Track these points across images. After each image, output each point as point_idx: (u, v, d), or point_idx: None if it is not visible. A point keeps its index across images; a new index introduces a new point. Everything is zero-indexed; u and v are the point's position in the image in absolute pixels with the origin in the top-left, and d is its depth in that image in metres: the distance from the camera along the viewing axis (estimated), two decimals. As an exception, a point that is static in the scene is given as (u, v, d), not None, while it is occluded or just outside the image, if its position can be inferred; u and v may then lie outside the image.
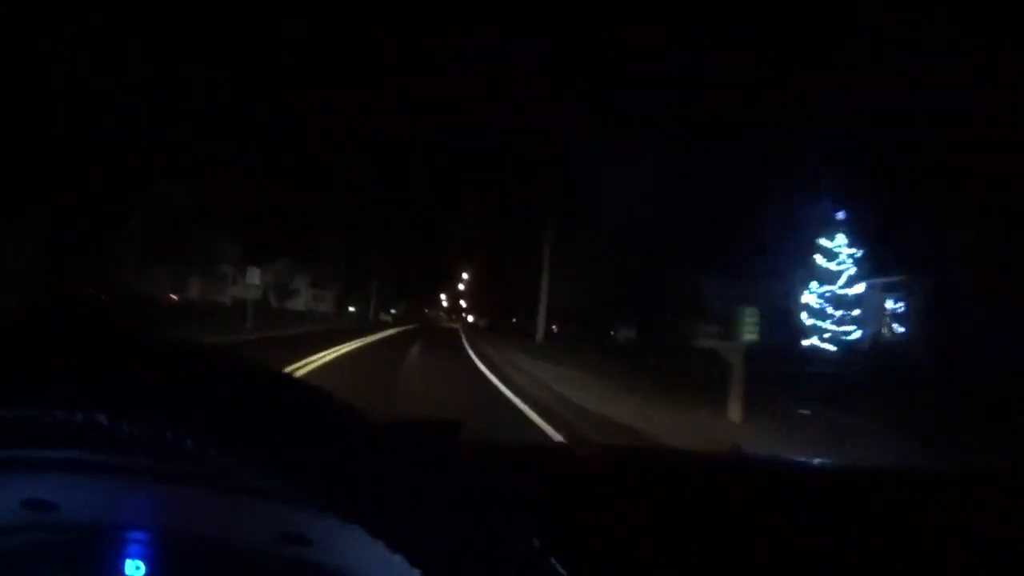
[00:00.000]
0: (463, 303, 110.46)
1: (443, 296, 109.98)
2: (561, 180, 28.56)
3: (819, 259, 25.67)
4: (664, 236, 33.14)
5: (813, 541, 0.81)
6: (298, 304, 48.20)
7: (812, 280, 25.70)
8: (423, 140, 48.49)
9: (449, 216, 51.66)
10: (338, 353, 14.16)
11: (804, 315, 26.07)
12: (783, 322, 26.95)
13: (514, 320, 55.22)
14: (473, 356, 16.66)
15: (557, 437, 5.95)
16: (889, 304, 23.40)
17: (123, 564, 0.74)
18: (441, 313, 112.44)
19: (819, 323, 25.47)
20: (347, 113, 41.60)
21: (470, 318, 76.82)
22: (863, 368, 17.91)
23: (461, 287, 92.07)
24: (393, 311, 60.74)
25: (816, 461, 1.62)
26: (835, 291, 25.21)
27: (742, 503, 0.93)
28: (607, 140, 29.14)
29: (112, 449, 0.65)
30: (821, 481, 1.19)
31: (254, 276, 23.68)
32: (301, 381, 0.56)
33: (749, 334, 7.31)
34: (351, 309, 52.52)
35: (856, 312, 24.97)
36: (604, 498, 0.87)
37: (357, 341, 18.46)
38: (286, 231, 45.40)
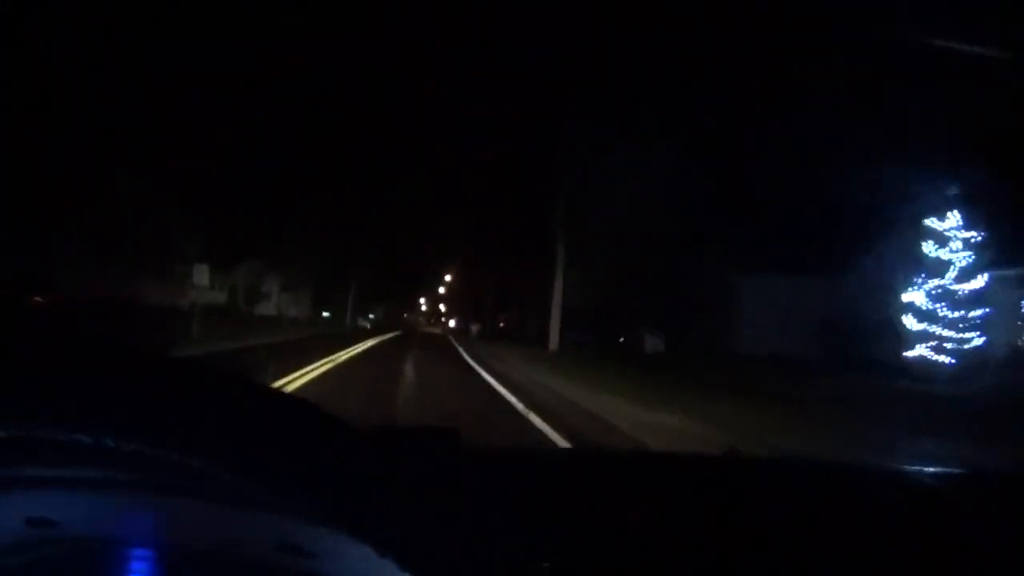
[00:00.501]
0: (442, 307, 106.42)
1: (422, 300, 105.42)
2: (569, 160, 23.81)
3: (927, 247, 20.12)
4: (694, 226, 28.15)
5: (813, 542, 0.80)
6: (270, 308, 43.18)
7: (914, 273, 20.15)
8: (405, 132, 43.61)
9: (431, 215, 46.77)
10: (308, 378, 9.67)
11: (909, 318, 20.39)
12: (867, 328, 21.29)
13: (501, 325, 50.91)
14: (492, 381, 11.69)
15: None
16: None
17: None
18: (420, 318, 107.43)
19: (930, 328, 19.80)
20: (324, 105, 36.55)
21: (451, 323, 71.12)
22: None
23: (441, 290, 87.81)
24: (371, 316, 55.69)
25: (816, 460, 1.69)
26: (946, 286, 19.69)
27: (740, 506, 0.92)
28: (623, 112, 24.38)
29: (109, 464, 0.64)
30: (820, 482, 1.16)
31: (202, 275, 19.08)
32: (291, 395, 0.58)
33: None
34: (325, 314, 46.96)
35: (978, 312, 19.43)
36: (602, 505, 0.85)
37: (331, 357, 13.46)
38: (256, 229, 40.76)
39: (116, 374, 0.51)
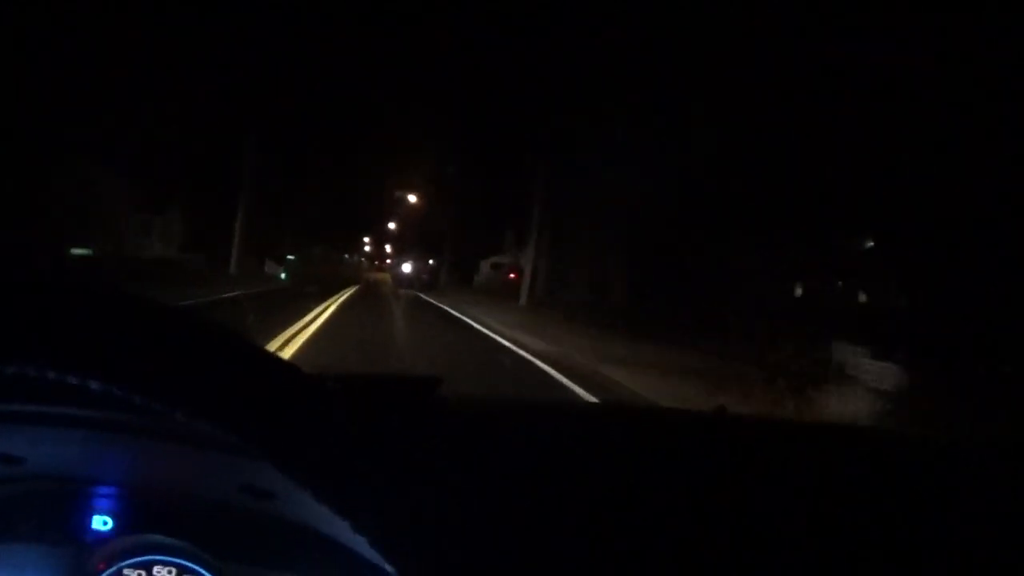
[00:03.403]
0: (388, 248, 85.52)
1: (366, 240, 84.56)
2: None
3: None
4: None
5: (803, 502, 0.79)
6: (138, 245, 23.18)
7: None
8: None
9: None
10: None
11: None
12: None
13: (512, 276, 31.38)
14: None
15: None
16: None
17: (90, 518, 0.75)
18: (362, 259, 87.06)
19: None
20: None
21: (404, 267, 49.03)
22: None
23: (392, 225, 67.43)
24: (291, 257, 35.36)
25: (801, 422, 1.59)
26: None
27: (728, 464, 0.91)
28: None
29: (77, 404, 0.65)
30: (809, 442, 1.15)
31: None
32: (257, 346, 0.57)
33: None
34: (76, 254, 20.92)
35: None
36: (584, 462, 0.82)
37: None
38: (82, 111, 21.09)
39: (83, 311, 0.49)
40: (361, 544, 0.46)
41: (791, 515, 0.73)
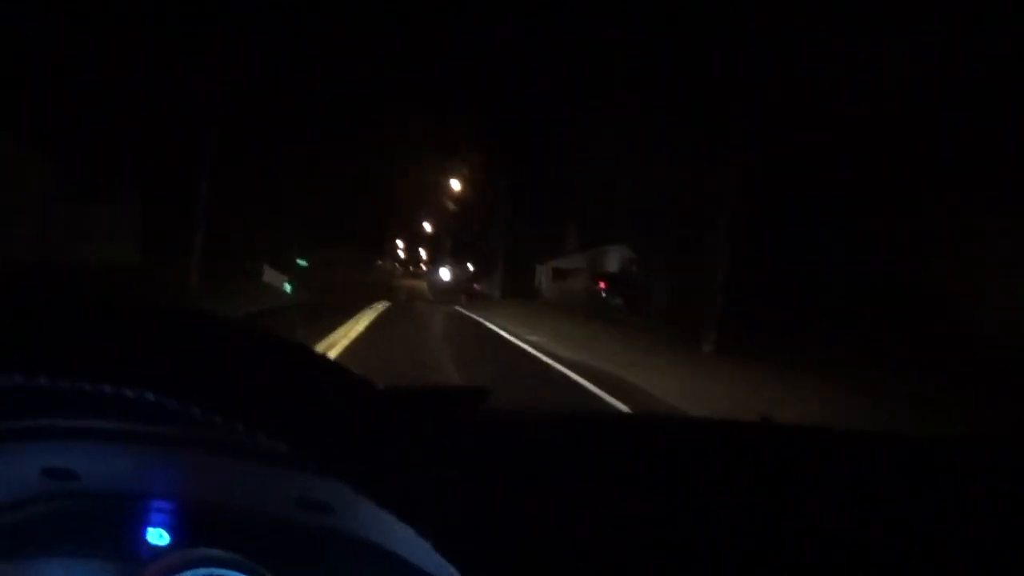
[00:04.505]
0: (423, 253, 78.04)
1: (399, 243, 77.01)
2: None
3: None
4: None
5: (849, 513, 0.76)
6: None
7: None
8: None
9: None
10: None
11: None
12: None
13: (601, 285, 22.96)
14: None
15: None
16: None
17: (145, 532, 0.75)
18: (396, 264, 79.51)
19: None
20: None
21: (443, 272, 40.82)
22: None
23: (427, 227, 59.94)
24: (302, 262, 27.53)
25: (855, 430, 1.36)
26: None
27: (774, 477, 0.87)
28: None
29: (131, 418, 0.65)
30: (860, 451, 1.08)
31: None
32: (314, 352, 0.58)
33: None
34: None
35: None
36: (629, 473, 0.79)
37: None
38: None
39: (139, 327, 0.51)
40: (420, 554, 0.46)
41: (837, 525, 0.71)
